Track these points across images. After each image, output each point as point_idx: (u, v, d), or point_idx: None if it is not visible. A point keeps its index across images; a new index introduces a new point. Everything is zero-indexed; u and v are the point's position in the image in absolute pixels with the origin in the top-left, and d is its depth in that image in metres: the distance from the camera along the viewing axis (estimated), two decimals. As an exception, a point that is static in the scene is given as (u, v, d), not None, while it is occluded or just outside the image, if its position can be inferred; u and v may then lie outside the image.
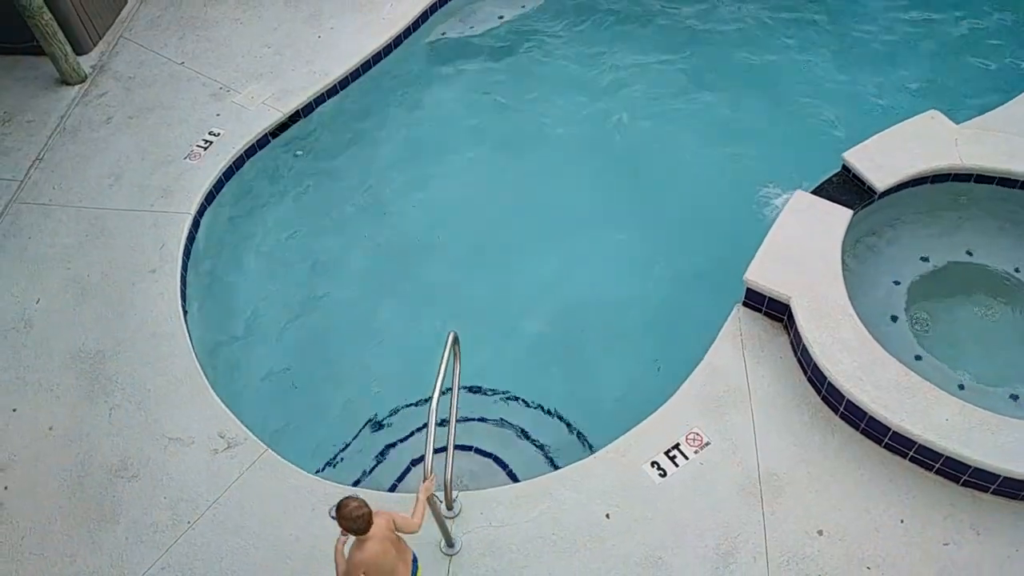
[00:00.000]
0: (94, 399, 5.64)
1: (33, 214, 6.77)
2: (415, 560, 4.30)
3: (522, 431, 5.73)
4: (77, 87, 7.78)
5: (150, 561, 4.92)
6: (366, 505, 3.79)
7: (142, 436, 5.43)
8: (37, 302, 6.21)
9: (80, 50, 7.94)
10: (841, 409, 5.15)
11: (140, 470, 5.30)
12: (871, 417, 4.94)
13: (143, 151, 7.11)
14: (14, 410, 5.67)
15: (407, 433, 5.79)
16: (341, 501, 3.79)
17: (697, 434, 5.17)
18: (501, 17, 8.38)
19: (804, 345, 5.28)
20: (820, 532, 4.72)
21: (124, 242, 6.47)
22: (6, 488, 5.32)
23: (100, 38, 8.20)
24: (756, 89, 7.61)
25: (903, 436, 4.81)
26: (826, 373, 5.12)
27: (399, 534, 4.09)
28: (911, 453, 4.86)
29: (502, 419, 5.80)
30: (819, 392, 5.28)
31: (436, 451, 5.32)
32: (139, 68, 7.90)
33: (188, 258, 6.44)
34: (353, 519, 3.75)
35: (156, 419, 5.50)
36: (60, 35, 7.47)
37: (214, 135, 7.13)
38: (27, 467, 5.39)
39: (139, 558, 4.94)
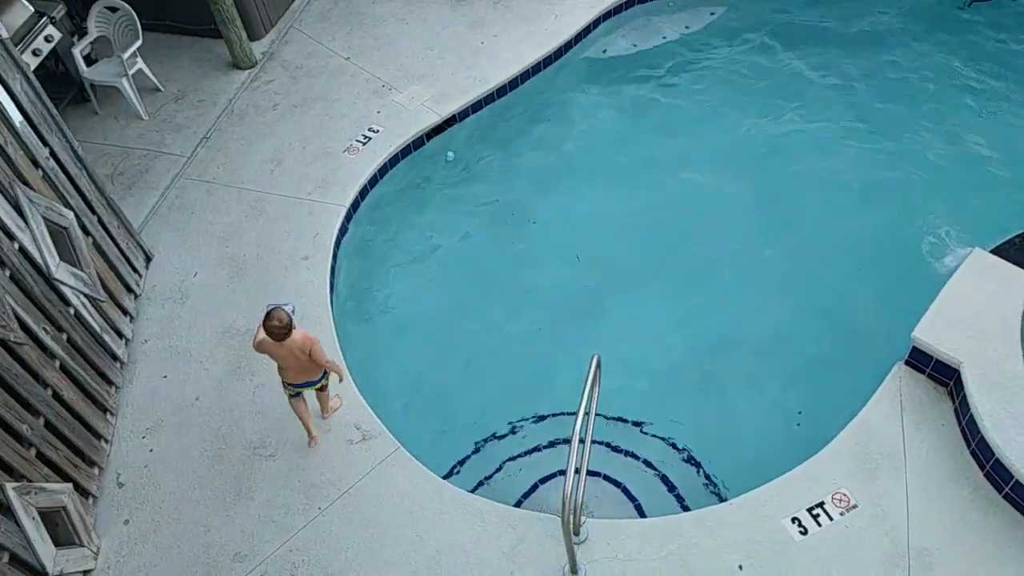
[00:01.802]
0: (241, 376, 5.83)
1: (198, 190, 7.09)
2: (322, 377, 5.15)
3: (651, 464, 5.58)
4: (247, 72, 8.11)
5: (279, 542, 5.04)
6: (287, 327, 4.63)
7: (283, 417, 5.57)
8: (195, 275, 6.48)
9: (253, 36, 8.27)
10: (1006, 489, 4.76)
11: (278, 450, 5.45)
12: (1043, 504, 4.57)
13: (305, 140, 7.34)
14: (165, 377, 5.94)
15: (531, 447, 5.74)
16: (273, 309, 4.64)
17: (844, 495, 4.90)
18: (664, 37, 8.23)
19: (972, 415, 4.92)
20: (974, 621, 4.38)
21: (280, 227, 6.68)
22: (152, 451, 5.56)
23: (272, 26, 8.53)
24: (935, 133, 7.16)
25: (1083, 531, 4.42)
26: (994, 449, 4.75)
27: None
28: (1089, 551, 4.45)
29: (631, 450, 5.67)
30: (983, 468, 4.90)
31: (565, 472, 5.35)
32: (307, 59, 8.16)
33: (338, 248, 6.59)
34: (270, 328, 4.62)
35: (298, 403, 5.64)
36: (238, 21, 7.81)
37: (373, 131, 7.27)
38: (173, 434, 5.63)
39: (269, 537, 5.07)
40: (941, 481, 4.94)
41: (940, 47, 7.90)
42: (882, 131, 7.22)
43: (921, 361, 5.29)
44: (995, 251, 5.64)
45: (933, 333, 5.21)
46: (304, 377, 5.07)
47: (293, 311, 4.75)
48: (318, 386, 5.20)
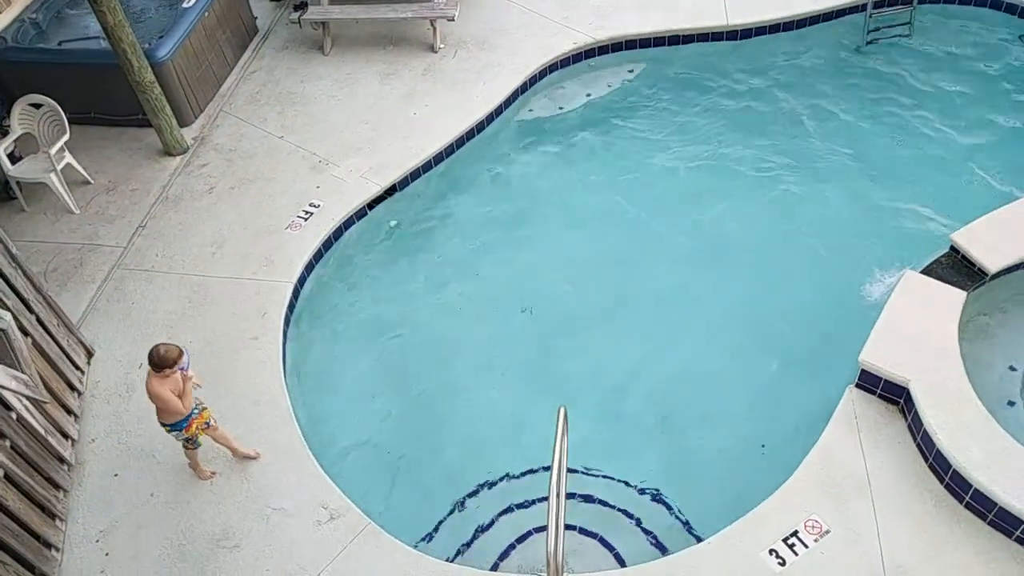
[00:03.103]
0: (197, 466, 5.63)
1: (137, 280, 6.92)
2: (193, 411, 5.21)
3: (624, 512, 5.57)
4: (179, 158, 8.04)
5: (253, 637, 4.83)
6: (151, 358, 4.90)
7: (245, 505, 5.39)
8: (140, 367, 6.27)
9: (183, 122, 8.22)
10: (967, 498, 4.93)
11: (242, 540, 5.24)
12: (1002, 508, 4.73)
13: (245, 221, 7.27)
14: (116, 475, 5.69)
15: (504, 508, 5.67)
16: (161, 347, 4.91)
17: (816, 521, 4.98)
18: (588, 95, 8.54)
19: (925, 430, 5.10)
20: (957, 631, 4.47)
21: (226, 309, 6.56)
22: (107, 555, 5.29)
23: (202, 111, 8.51)
24: (846, 168, 7.60)
25: (1041, 530, 4.59)
26: (951, 460, 4.93)
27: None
28: (1051, 549, 4.62)
29: (603, 499, 5.65)
30: (942, 480, 5.07)
31: (540, 529, 5.31)
32: (240, 141, 8.15)
33: (288, 326, 6.50)
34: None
35: (259, 488, 5.47)
36: (167, 108, 7.78)
37: (314, 206, 7.28)
38: (129, 534, 5.37)
39: (242, 634, 4.85)
40: (905, 497, 5.08)
41: (844, 89, 8.43)
42: (801, 172, 7.62)
43: (870, 383, 5.49)
44: (924, 271, 5.93)
45: (878, 354, 5.43)
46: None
47: (185, 359, 4.96)
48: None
